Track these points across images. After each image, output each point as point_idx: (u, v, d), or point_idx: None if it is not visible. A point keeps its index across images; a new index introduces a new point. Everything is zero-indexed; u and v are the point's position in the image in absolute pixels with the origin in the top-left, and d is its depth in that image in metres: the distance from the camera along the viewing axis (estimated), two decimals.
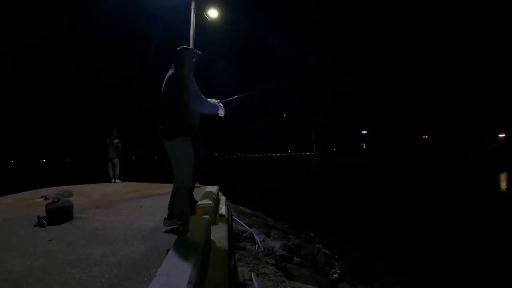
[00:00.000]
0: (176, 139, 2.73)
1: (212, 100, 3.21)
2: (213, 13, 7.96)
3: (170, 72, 2.91)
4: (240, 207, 8.74)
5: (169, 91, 2.82)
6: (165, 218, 2.99)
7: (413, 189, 19.12)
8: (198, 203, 3.43)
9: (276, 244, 5.70)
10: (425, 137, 70.95)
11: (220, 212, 3.94)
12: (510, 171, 26.59)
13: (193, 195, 3.75)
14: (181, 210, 2.84)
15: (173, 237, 2.37)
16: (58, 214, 3.42)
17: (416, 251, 7.33)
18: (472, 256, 7.01)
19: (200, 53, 3.09)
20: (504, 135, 58.11)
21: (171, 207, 2.98)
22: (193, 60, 3.05)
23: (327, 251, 6.79)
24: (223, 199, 4.96)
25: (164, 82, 2.91)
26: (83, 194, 5.73)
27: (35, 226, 3.27)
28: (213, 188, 4.68)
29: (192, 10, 7.63)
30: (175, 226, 2.86)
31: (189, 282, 1.31)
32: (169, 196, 2.98)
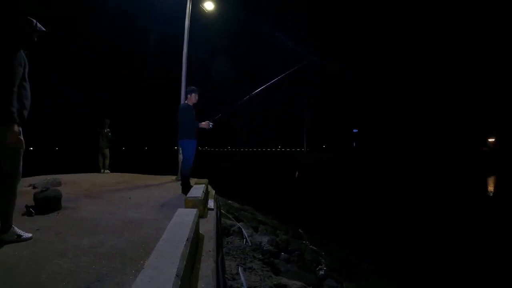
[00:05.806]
0: (186, 140, 4.83)
1: (205, 123, 5.02)
2: (209, 5, 7.93)
3: (183, 104, 5.08)
4: (229, 201, 8.78)
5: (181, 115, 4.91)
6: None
7: (404, 189, 19.41)
8: (187, 195, 3.45)
9: (264, 239, 5.76)
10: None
11: (209, 206, 3.96)
12: (500, 175, 27.24)
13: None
14: (186, 184, 4.79)
15: (161, 229, 2.38)
16: (47, 203, 3.41)
17: (404, 252, 7.40)
18: (460, 258, 7.10)
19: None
20: (494, 139, 58.86)
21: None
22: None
23: (315, 248, 6.87)
24: (212, 192, 4.99)
25: (179, 110, 4.97)
26: (72, 184, 5.70)
27: (23, 215, 3.25)
28: (203, 181, 4.70)
29: (188, 1, 7.59)
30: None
31: (176, 275, 1.33)
32: (159, 188, 3.39)
